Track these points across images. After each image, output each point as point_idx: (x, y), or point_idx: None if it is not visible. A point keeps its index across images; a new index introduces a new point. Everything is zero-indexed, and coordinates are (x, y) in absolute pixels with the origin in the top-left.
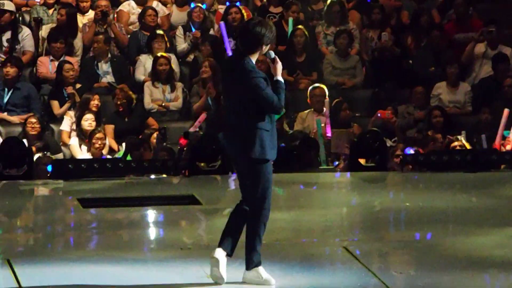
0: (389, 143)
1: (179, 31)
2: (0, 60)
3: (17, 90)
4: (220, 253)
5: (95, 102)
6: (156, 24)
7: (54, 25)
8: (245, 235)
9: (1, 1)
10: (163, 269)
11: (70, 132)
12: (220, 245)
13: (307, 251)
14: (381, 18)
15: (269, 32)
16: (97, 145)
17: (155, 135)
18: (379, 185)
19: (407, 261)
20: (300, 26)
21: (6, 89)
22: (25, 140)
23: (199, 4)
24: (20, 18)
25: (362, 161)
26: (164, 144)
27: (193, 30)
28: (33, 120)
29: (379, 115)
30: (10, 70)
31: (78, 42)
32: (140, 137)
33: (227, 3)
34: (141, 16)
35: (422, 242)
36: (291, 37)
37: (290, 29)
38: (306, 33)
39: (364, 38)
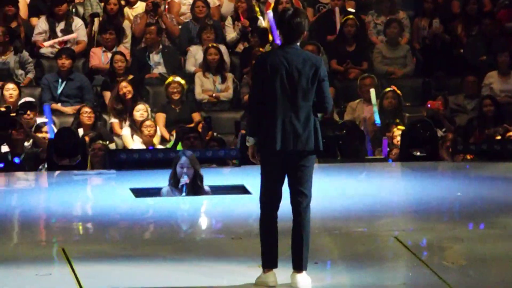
0: (439, 133)
1: (228, 21)
2: (54, 51)
3: (70, 81)
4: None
5: (127, 88)
6: (206, 15)
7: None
8: (298, 231)
9: None
10: (215, 258)
11: (121, 122)
12: (300, 267)
13: (357, 241)
14: (432, 7)
15: (306, 20)
16: (146, 132)
17: (200, 125)
18: (430, 175)
19: (459, 251)
20: (350, 16)
21: (60, 80)
22: (80, 130)
23: None
24: (74, 10)
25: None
26: (214, 134)
27: (241, 19)
28: (88, 109)
29: (429, 105)
30: (65, 62)
31: (127, 32)
32: (191, 125)
33: None
34: (192, 7)
35: (474, 232)
36: (341, 27)
37: (338, 20)
38: (357, 22)
39: (415, 27)
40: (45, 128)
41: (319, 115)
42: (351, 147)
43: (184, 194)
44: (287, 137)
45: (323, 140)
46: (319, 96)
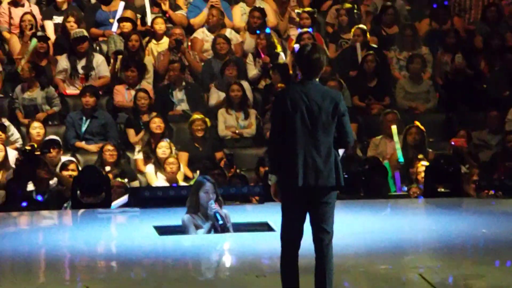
0: (463, 169)
1: (249, 58)
2: (77, 89)
3: (94, 118)
4: None
5: (155, 124)
6: (227, 52)
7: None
8: (321, 269)
9: (79, 29)
10: None
11: (144, 160)
12: None
13: (383, 278)
14: (455, 42)
15: (324, 56)
16: (169, 169)
17: (223, 162)
18: (454, 211)
19: None
20: (370, 52)
21: (84, 118)
22: (107, 168)
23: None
24: (98, 47)
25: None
26: (237, 170)
27: (262, 56)
28: (110, 147)
29: (452, 143)
30: (90, 100)
31: (148, 67)
32: (214, 162)
33: (299, 30)
34: (213, 44)
35: (500, 270)
36: (361, 63)
37: (359, 56)
38: (377, 58)
39: (438, 62)
40: (71, 166)
41: (340, 152)
42: (374, 183)
43: (221, 221)
44: (309, 173)
45: (345, 176)
46: (340, 131)
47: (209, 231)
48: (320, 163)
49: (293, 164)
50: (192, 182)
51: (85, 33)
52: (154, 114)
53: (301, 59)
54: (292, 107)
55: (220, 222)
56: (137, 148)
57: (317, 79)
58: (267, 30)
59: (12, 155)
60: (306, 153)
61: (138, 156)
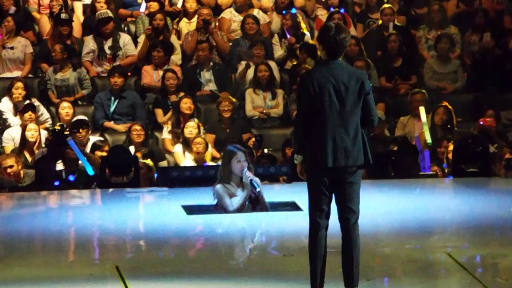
0: (491, 148)
1: (275, 39)
2: (105, 69)
3: (122, 99)
4: None
5: (186, 105)
6: (256, 32)
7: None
8: (348, 248)
9: (103, 10)
10: (267, 275)
11: (173, 139)
12: (351, 284)
13: (410, 257)
14: (483, 21)
15: (349, 35)
16: (195, 149)
17: (251, 141)
18: (482, 191)
19: None
20: (393, 31)
21: (112, 98)
22: (131, 148)
23: (290, 11)
24: (126, 28)
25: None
26: (264, 150)
27: (288, 36)
28: (138, 127)
29: (481, 123)
30: (118, 80)
31: (176, 46)
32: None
33: (331, 9)
34: (242, 24)
35: None
36: (385, 43)
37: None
38: (400, 37)
39: (466, 42)
40: (105, 148)
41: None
42: (403, 163)
43: (258, 188)
44: (339, 154)
45: (373, 156)
46: (365, 110)
47: (244, 200)
48: (348, 143)
49: (323, 145)
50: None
51: (110, 14)
52: (182, 94)
53: (326, 39)
54: (319, 88)
55: (258, 189)
56: (166, 128)
57: (340, 59)
58: (293, 10)
59: (42, 135)
60: (335, 134)
61: (167, 136)
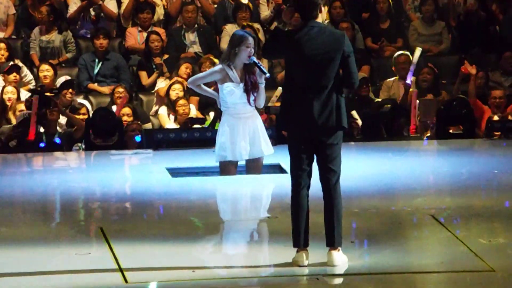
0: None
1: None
2: (91, 32)
3: (107, 61)
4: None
5: (187, 70)
6: None
7: None
8: (329, 208)
9: None
10: (251, 237)
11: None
12: (334, 243)
13: (394, 219)
14: None
15: None
16: (181, 111)
17: None
18: (466, 153)
19: (496, 229)
20: None
21: (96, 60)
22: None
23: None
24: None
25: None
26: None
27: None
28: (121, 89)
29: (462, 70)
30: (103, 42)
31: (157, 9)
32: None
33: None
34: None
35: (511, 210)
36: (373, 4)
37: None
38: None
39: (451, 4)
40: (82, 110)
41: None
42: (396, 125)
43: (268, 74)
44: (308, 117)
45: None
46: (346, 72)
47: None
48: (322, 105)
49: (297, 106)
50: (206, 124)
51: None
52: (166, 56)
53: (300, 1)
54: (296, 50)
55: (268, 75)
56: (162, 105)
57: (319, 20)
58: None
59: (26, 97)
60: (310, 96)
61: (162, 111)
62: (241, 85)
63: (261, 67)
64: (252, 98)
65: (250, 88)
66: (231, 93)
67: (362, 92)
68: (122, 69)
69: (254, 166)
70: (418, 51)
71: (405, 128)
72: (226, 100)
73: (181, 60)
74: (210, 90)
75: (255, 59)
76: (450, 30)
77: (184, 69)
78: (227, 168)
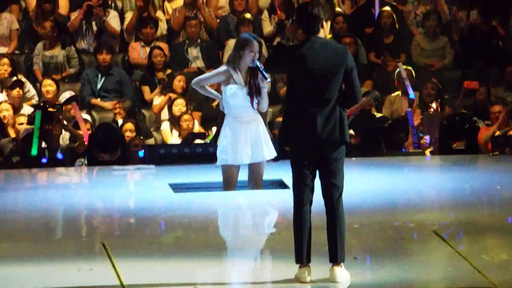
0: (481, 124)
1: (265, 15)
2: (92, 46)
3: (109, 76)
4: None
5: (180, 83)
6: (244, 9)
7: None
8: (332, 224)
9: None
10: (254, 253)
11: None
12: (337, 259)
13: (397, 235)
14: None
15: (325, 12)
16: (185, 126)
17: None
18: (469, 168)
19: (499, 245)
20: (387, 8)
21: (99, 75)
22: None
23: None
24: (113, 4)
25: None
26: None
27: (278, 12)
28: (118, 105)
29: (465, 86)
30: (106, 57)
31: (160, 24)
32: None
33: None
34: (230, 1)
35: None
36: (378, 19)
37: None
38: (394, 14)
39: (453, 19)
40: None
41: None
42: (396, 140)
43: (269, 79)
44: (311, 131)
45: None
46: (348, 87)
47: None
48: (321, 120)
49: (296, 122)
50: (209, 139)
51: None
52: (169, 71)
53: (303, 16)
54: (299, 64)
55: (269, 80)
56: (165, 121)
57: (320, 35)
58: None
59: (29, 112)
60: (310, 111)
61: (165, 127)
62: (245, 88)
63: (263, 71)
64: (255, 101)
65: (253, 92)
66: (234, 96)
67: (366, 107)
68: (125, 84)
69: (256, 170)
70: (401, 66)
71: (405, 142)
72: (229, 102)
73: (175, 72)
74: (214, 91)
75: (258, 63)
76: (453, 45)
77: (177, 83)
78: (229, 171)
